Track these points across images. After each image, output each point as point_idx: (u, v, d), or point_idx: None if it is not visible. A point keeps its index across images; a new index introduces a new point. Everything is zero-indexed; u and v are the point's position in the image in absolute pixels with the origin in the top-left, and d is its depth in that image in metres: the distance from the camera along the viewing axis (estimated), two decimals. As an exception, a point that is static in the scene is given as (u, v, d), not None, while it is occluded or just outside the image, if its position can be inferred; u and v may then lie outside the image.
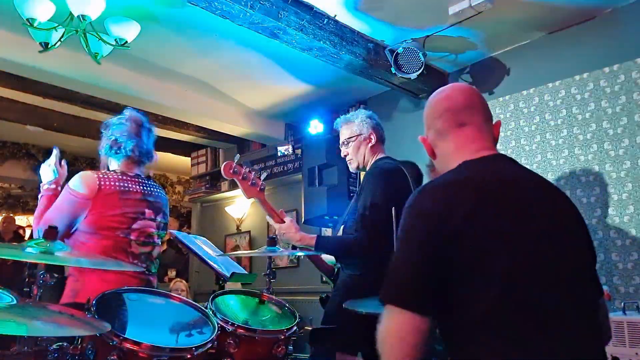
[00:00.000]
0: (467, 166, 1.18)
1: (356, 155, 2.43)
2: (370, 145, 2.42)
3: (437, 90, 1.34)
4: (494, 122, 1.29)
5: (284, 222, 2.27)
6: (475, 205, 1.06)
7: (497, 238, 1.04)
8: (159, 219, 2.21)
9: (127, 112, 2.27)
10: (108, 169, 2.22)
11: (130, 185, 2.14)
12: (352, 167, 2.49)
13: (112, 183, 2.09)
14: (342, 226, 2.40)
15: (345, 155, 2.48)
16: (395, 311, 1.05)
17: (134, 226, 2.09)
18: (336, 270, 2.42)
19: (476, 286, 1.02)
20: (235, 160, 2.18)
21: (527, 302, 1.01)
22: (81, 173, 2.09)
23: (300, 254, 2.23)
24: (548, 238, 1.09)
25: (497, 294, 1.01)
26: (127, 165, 2.20)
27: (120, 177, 2.13)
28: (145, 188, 2.20)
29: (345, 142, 2.46)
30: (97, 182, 2.05)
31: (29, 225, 7.71)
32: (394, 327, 1.05)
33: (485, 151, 1.21)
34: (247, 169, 2.21)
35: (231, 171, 2.16)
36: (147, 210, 2.16)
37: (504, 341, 0.99)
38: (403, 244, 1.11)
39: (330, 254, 2.40)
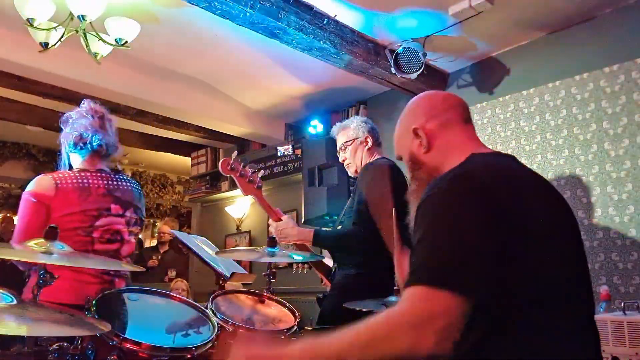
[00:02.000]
0: (483, 158, 1.15)
1: (354, 159, 2.46)
2: (366, 148, 2.44)
3: (431, 91, 1.35)
4: None
5: (281, 220, 2.28)
6: (516, 195, 1.03)
7: (544, 226, 1.04)
8: (128, 214, 2.10)
9: (86, 104, 2.15)
10: (69, 167, 2.12)
11: (90, 182, 2.03)
12: (350, 172, 2.51)
13: (70, 182, 1.99)
14: (340, 225, 2.41)
15: (344, 161, 2.51)
16: (431, 291, 0.90)
17: (97, 224, 1.99)
18: (334, 270, 2.42)
19: (524, 275, 0.97)
20: (233, 157, 2.19)
21: (565, 295, 1.02)
22: (37, 178, 2.00)
23: (299, 258, 2.21)
24: (569, 232, 1.11)
25: (544, 285, 0.99)
26: (92, 161, 2.10)
27: (78, 174, 2.04)
28: (110, 182, 2.09)
29: (343, 147, 2.49)
30: (54, 183, 1.97)
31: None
32: (429, 307, 0.89)
33: (487, 148, 1.22)
34: (244, 166, 2.22)
35: (228, 167, 2.17)
36: (112, 206, 2.05)
37: (542, 335, 0.97)
38: (444, 224, 0.97)
39: (327, 248, 2.41)
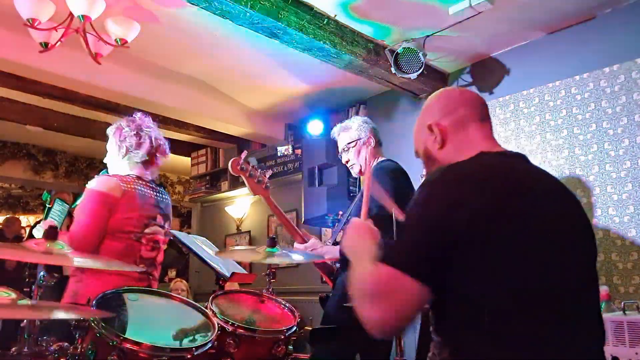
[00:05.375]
0: (488, 157, 1.16)
1: (358, 159, 2.46)
2: (370, 148, 2.45)
3: (450, 88, 1.35)
4: None
5: (306, 241, 2.31)
6: (499, 199, 1.04)
7: (525, 230, 1.03)
8: (166, 226, 2.26)
9: (140, 115, 2.28)
10: (126, 175, 2.22)
11: (145, 190, 2.18)
12: (354, 172, 2.51)
13: (133, 186, 2.12)
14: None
15: (347, 162, 2.50)
16: (394, 271, 1.00)
17: (146, 231, 2.13)
18: (336, 270, 2.42)
19: (497, 277, 0.99)
20: (243, 157, 2.19)
21: (551, 299, 1.01)
22: (102, 177, 2.11)
23: (298, 258, 2.21)
24: (568, 235, 1.10)
25: (519, 287, 0.99)
26: (144, 170, 2.23)
27: (137, 181, 2.17)
28: (157, 195, 2.24)
29: (346, 148, 2.49)
30: (120, 184, 2.08)
31: (29, 225, 7.72)
32: (391, 282, 0.99)
33: (500, 147, 1.23)
34: (253, 167, 2.22)
35: (238, 167, 2.18)
36: (158, 217, 2.20)
37: (519, 337, 0.98)
38: (418, 216, 1.05)
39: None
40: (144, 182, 2.19)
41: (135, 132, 2.20)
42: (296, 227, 2.35)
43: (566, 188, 1.20)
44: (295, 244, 2.34)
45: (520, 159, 1.21)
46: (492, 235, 1.00)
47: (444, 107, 1.27)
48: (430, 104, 1.31)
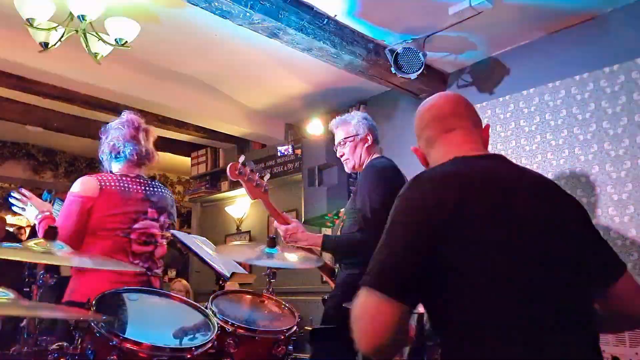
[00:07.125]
0: (457, 161, 1.19)
1: (353, 155, 2.45)
2: (366, 145, 2.44)
3: (423, 101, 1.39)
4: (483, 126, 1.33)
5: (289, 224, 2.28)
6: (461, 200, 1.06)
7: (483, 233, 1.04)
8: (162, 219, 2.24)
9: (124, 115, 2.30)
10: (110, 172, 2.25)
11: (130, 186, 2.17)
12: (347, 168, 2.51)
13: (112, 184, 2.13)
14: (341, 226, 2.40)
15: (342, 156, 2.50)
16: (371, 293, 1.03)
17: (135, 226, 2.12)
18: (336, 270, 2.42)
19: (461, 282, 1.01)
20: (240, 162, 2.18)
21: (511, 300, 1.01)
22: (81, 178, 2.14)
23: (294, 257, 2.19)
24: (538, 235, 1.07)
25: (480, 291, 1.00)
26: (129, 168, 2.24)
27: (119, 177, 2.18)
28: (147, 188, 2.23)
29: (342, 143, 2.48)
30: (98, 184, 2.09)
31: (29, 225, 7.72)
32: (368, 306, 1.03)
33: (475, 152, 1.23)
34: (251, 170, 2.22)
35: (237, 172, 2.16)
36: (149, 210, 2.19)
37: (490, 340, 0.98)
38: (389, 233, 1.10)
39: (337, 254, 2.39)
40: (128, 178, 2.20)
41: (119, 133, 2.23)
42: (279, 211, 2.33)
43: (553, 186, 1.20)
44: (276, 223, 2.32)
45: (494, 160, 1.22)
46: (461, 233, 1.03)
47: (417, 129, 1.36)
48: (414, 124, 1.38)
